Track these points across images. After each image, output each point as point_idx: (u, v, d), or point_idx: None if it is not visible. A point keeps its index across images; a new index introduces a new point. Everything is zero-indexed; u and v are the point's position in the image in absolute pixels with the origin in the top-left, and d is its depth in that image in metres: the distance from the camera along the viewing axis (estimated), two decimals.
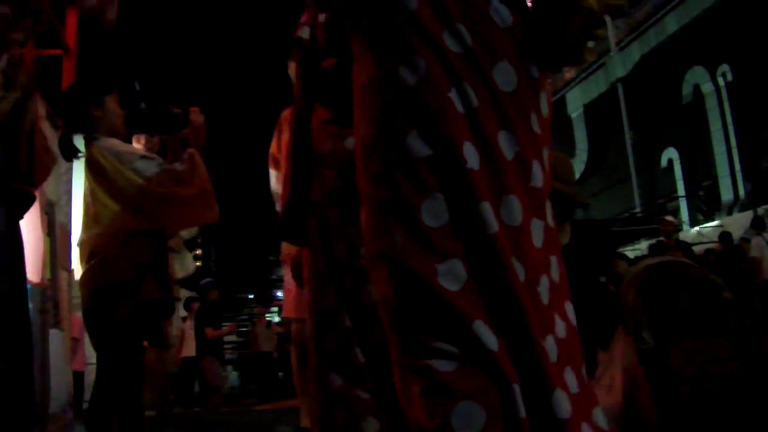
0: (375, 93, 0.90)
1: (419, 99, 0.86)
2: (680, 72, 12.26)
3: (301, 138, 1.59)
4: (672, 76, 12.34)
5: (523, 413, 0.78)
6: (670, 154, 12.53)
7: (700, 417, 1.85)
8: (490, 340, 0.80)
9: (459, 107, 0.86)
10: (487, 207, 0.84)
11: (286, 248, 3.30)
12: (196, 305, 7.22)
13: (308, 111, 1.58)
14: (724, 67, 11.37)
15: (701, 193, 11.26)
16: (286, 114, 3.37)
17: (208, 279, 7.27)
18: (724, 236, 7.01)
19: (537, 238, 0.89)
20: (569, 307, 0.92)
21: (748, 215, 8.47)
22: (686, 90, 12.19)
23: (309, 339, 1.54)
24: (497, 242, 0.83)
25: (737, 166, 11.00)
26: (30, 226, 3.04)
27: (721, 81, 11.43)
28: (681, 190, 12.10)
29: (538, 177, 0.90)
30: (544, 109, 0.95)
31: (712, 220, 10.55)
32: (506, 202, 0.86)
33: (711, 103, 11.61)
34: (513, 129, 0.89)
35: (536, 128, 0.92)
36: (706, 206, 11.21)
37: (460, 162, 0.84)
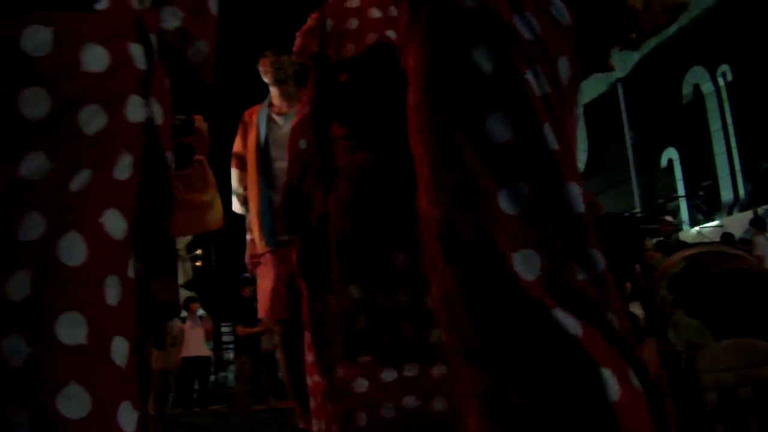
0: (445, 80, 0.88)
1: (498, 83, 0.85)
2: (680, 72, 12.25)
3: (321, 147, 1.62)
4: (672, 76, 12.34)
5: (614, 397, 0.76)
6: (670, 154, 12.52)
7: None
8: (573, 327, 0.78)
9: (536, 90, 0.85)
10: (574, 187, 0.83)
11: (253, 249, 3.30)
12: (195, 305, 7.21)
13: (325, 123, 1.62)
14: (724, 67, 11.37)
15: (701, 193, 11.26)
16: (248, 113, 3.38)
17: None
18: (726, 237, 7.01)
19: None
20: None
21: (748, 215, 8.47)
22: (686, 90, 12.19)
23: (308, 335, 1.55)
24: (584, 223, 0.82)
25: (737, 166, 10.99)
26: None
27: (721, 81, 11.43)
28: (681, 190, 12.10)
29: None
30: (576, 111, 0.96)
31: (712, 220, 10.54)
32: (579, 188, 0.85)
33: (711, 103, 11.60)
34: (566, 122, 0.89)
35: (573, 126, 0.92)
36: (706, 206, 11.20)
37: (545, 143, 0.83)
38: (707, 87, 11.70)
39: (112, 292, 0.89)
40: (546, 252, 0.81)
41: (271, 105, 3.34)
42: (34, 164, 0.87)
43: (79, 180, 0.89)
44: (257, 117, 3.28)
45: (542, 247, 0.81)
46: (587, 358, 0.77)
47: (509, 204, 0.82)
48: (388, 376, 1.42)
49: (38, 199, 0.87)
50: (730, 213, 10.63)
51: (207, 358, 7.88)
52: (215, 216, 2.00)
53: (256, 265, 3.35)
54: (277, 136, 3.25)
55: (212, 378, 10.05)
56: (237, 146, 3.39)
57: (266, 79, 3.26)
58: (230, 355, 10.38)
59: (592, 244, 0.81)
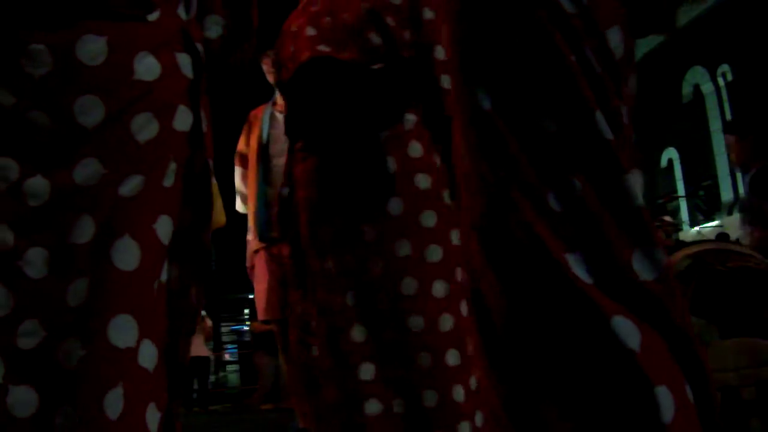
0: (481, 65, 0.82)
1: (540, 67, 0.79)
2: (680, 72, 12.25)
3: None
4: (672, 76, 12.33)
5: (668, 418, 0.70)
6: (670, 154, 12.52)
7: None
8: (632, 337, 0.72)
9: (584, 73, 0.79)
10: (632, 178, 0.77)
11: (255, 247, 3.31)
12: None
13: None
14: (724, 67, 11.37)
15: (701, 193, 11.25)
16: (254, 113, 3.39)
17: None
18: (721, 237, 7.02)
19: None
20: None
21: None
22: (686, 90, 12.18)
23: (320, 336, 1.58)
24: (646, 217, 0.76)
25: None
26: None
27: (721, 81, 11.42)
28: (681, 190, 12.09)
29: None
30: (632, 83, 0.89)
31: (712, 220, 10.54)
32: (636, 177, 0.79)
33: (711, 103, 11.60)
34: (622, 101, 0.82)
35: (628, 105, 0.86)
36: (706, 206, 11.20)
37: (599, 133, 0.77)
38: (707, 87, 11.69)
39: (158, 295, 0.91)
40: (604, 251, 0.75)
41: (275, 103, 3.34)
42: (88, 170, 0.89)
43: (130, 185, 0.90)
44: (262, 114, 3.28)
45: (600, 245, 0.75)
46: (642, 376, 0.71)
47: (558, 201, 0.76)
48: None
49: (91, 203, 0.89)
50: (730, 213, 10.62)
51: (206, 358, 7.87)
52: (218, 216, 2.01)
53: (253, 267, 3.35)
54: (278, 133, 3.25)
55: (212, 378, 10.05)
56: (241, 145, 3.39)
57: (269, 78, 3.26)
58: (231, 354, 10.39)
59: (654, 239, 0.75)
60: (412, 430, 1.46)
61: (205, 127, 1.00)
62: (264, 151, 3.22)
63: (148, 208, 0.91)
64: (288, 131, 1.71)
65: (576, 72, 0.78)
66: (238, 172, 3.41)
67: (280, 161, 3.27)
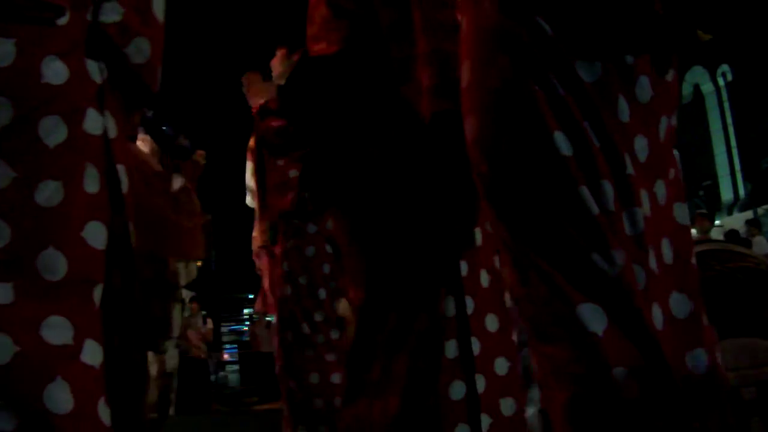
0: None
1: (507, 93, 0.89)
2: (680, 72, 12.26)
3: None
4: None
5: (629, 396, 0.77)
6: None
7: None
8: (597, 322, 0.80)
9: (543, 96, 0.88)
10: (585, 191, 0.84)
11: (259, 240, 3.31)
12: (195, 305, 7.21)
13: None
14: (724, 67, 11.38)
15: (701, 193, 11.26)
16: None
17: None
18: (731, 234, 7.03)
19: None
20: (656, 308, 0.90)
21: (748, 215, 8.48)
22: (686, 90, 12.19)
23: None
24: (599, 222, 0.83)
25: (737, 166, 11.00)
26: None
27: (721, 81, 11.44)
28: None
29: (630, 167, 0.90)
30: (644, 92, 0.94)
31: (712, 220, 10.55)
32: (604, 188, 0.87)
33: (711, 103, 11.61)
34: (599, 118, 0.90)
35: (626, 116, 0.91)
36: (706, 206, 11.21)
37: (556, 149, 0.85)
38: (707, 87, 11.70)
39: (96, 299, 0.92)
40: (567, 243, 0.83)
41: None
42: None
43: (47, 193, 0.91)
44: None
45: (560, 249, 0.83)
46: (602, 358, 0.78)
47: (530, 206, 0.87)
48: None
49: (3, 209, 0.89)
50: (730, 213, 10.64)
51: (204, 360, 7.87)
52: (196, 246, 2.01)
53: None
54: None
55: (212, 378, 10.06)
56: (252, 141, 3.40)
57: (275, 76, 3.26)
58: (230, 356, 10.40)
59: (611, 244, 0.81)
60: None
61: (113, 132, 1.00)
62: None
63: (72, 216, 0.92)
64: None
65: (538, 96, 0.86)
66: (249, 167, 3.41)
67: (281, 160, 3.27)
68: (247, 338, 9.54)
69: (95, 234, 0.94)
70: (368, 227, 1.46)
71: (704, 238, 5.71)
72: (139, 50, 1.04)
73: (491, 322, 1.39)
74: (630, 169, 0.86)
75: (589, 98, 0.87)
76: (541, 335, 0.83)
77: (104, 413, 0.90)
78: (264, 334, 8.78)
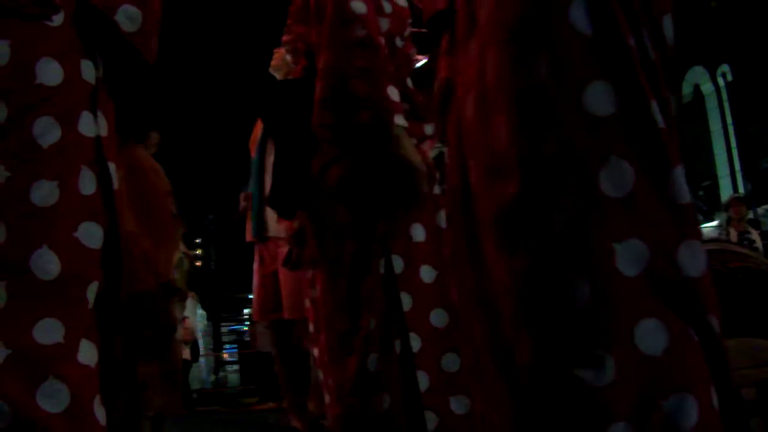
0: (536, 38, 0.76)
1: (599, 48, 0.73)
2: (680, 72, 12.25)
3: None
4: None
5: (690, 424, 0.67)
6: None
7: None
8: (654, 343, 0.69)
9: (641, 58, 0.75)
10: (680, 172, 0.72)
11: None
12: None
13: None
14: (724, 67, 11.36)
15: (701, 193, 11.25)
16: None
17: None
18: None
19: None
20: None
21: (748, 215, 8.47)
22: (686, 90, 12.18)
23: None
24: (690, 213, 0.72)
25: (737, 166, 10.99)
26: None
27: (721, 81, 11.42)
28: None
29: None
30: None
31: (712, 220, 10.53)
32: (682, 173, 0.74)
33: (711, 103, 11.59)
34: (676, 88, 0.77)
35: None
36: (706, 206, 11.19)
37: (653, 120, 0.72)
38: (707, 87, 11.69)
39: (90, 298, 0.93)
40: (652, 243, 0.71)
41: None
42: None
43: (42, 192, 0.91)
44: None
45: (648, 237, 0.70)
46: (670, 379, 0.68)
47: (612, 186, 0.71)
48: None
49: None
50: None
51: (187, 361, 7.85)
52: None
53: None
54: None
55: (212, 378, 10.04)
56: (254, 135, 3.42)
57: (277, 75, 3.26)
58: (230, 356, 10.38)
59: (697, 236, 0.72)
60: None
61: (105, 130, 0.99)
62: (261, 147, 3.23)
63: (66, 216, 0.92)
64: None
65: (634, 57, 0.74)
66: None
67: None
68: (248, 338, 9.52)
69: (90, 234, 0.94)
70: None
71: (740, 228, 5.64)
72: (130, 18, 1.02)
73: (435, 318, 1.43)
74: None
75: (671, 64, 0.77)
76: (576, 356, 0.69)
77: (99, 412, 0.90)
78: (264, 334, 8.76)
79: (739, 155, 10.98)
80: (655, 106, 0.73)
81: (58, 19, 0.96)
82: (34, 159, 0.91)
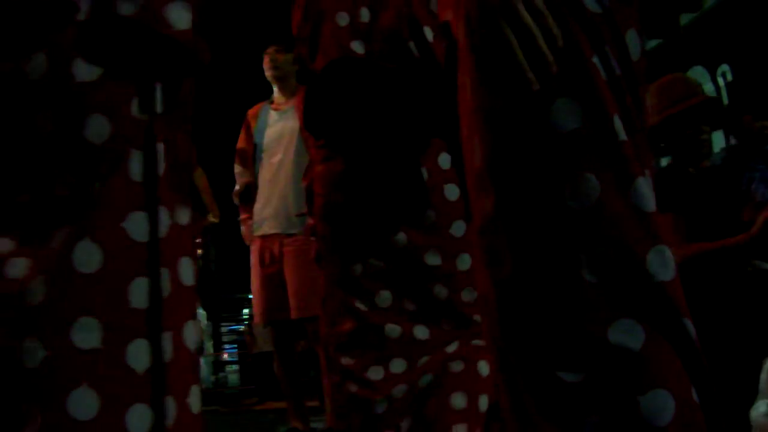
0: (501, 60, 0.80)
1: (562, 66, 0.77)
2: (680, 72, 12.25)
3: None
4: None
5: (664, 422, 0.70)
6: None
7: None
8: (635, 339, 0.71)
9: (603, 74, 0.78)
10: (643, 182, 0.76)
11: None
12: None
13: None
14: (724, 67, 11.36)
15: None
16: (252, 111, 3.43)
17: None
18: None
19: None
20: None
21: None
22: None
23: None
24: (654, 222, 0.75)
25: None
26: None
27: (721, 81, 11.42)
28: None
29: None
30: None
31: None
32: (647, 179, 0.78)
33: None
34: (642, 102, 0.81)
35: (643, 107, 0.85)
36: None
37: (614, 134, 0.76)
38: (707, 87, 11.69)
39: (138, 295, 0.91)
40: (614, 252, 0.74)
41: (272, 102, 3.36)
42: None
43: (97, 186, 0.93)
44: (260, 112, 3.31)
45: (612, 247, 0.74)
46: (647, 376, 0.71)
47: (577, 198, 0.75)
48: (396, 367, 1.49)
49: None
50: None
51: None
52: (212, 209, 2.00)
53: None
54: (271, 131, 3.27)
55: (212, 378, 10.04)
56: (240, 143, 3.42)
57: (267, 76, 3.26)
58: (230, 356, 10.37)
59: (663, 243, 0.75)
60: None
61: (161, 107, 0.98)
62: (257, 150, 3.24)
63: (114, 206, 0.92)
64: (308, 127, 1.69)
65: (596, 73, 0.78)
66: (236, 169, 3.44)
67: (276, 158, 3.27)
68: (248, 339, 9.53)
69: (137, 224, 0.94)
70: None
71: None
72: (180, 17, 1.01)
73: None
74: (652, 161, 0.81)
75: (636, 78, 0.80)
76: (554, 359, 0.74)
77: (135, 419, 0.89)
78: (264, 334, 8.76)
79: None
80: (617, 120, 0.76)
81: (82, 14, 0.95)
82: (89, 159, 0.93)
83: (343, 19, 1.62)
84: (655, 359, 0.72)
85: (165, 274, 0.94)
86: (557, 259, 0.75)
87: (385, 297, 1.55)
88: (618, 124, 0.77)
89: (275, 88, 3.43)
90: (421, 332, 1.53)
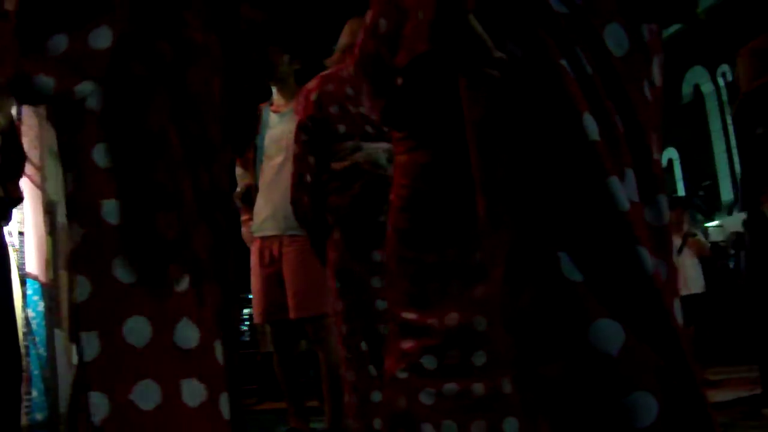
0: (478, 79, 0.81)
1: (530, 70, 0.77)
2: (680, 72, 12.24)
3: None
4: (672, 76, 12.32)
5: (645, 423, 0.69)
6: (670, 154, 12.51)
7: None
8: (613, 339, 0.70)
9: (573, 75, 0.77)
10: (615, 182, 0.75)
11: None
12: None
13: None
14: (724, 67, 11.36)
15: (701, 193, 11.25)
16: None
17: None
18: (738, 237, 7.01)
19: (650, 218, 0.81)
20: (677, 303, 0.82)
21: None
22: (686, 90, 12.17)
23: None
24: (629, 220, 0.74)
25: (737, 166, 10.98)
26: (34, 227, 3.05)
27: (721, 81, 11.42)
28: (681, 190, 12.08)
29: (653, 150, 0.82)
30: (656, 77, 0.87)
31: (712, 220, 10.53)
32: (627, 178, 0.77)
33: (711, 103, 11.59)
34: (626, 98, 0.80)
35: (648, 96, 0.84)
36: (706, 206, 11.20)
37: (584, 135, 0.75)
38: (707, 87, 11.68)
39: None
40: (595, 250, 0.74)
41: (272, 104, 3.36)
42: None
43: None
44: (260, 114, 3.30)
45: (590, 244, 0.74)
46: (621, 380, 0.70)
47: (552, 197, 0.75)
48: (430, 364, 1.49)
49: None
50: (730, 213, 10.62)
51: None
52: None
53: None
54: (271, 134, 3.28)
55: None
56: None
57: (279, 73, 3.26)
58: None
59: (640, 242, 0.74)
60: None
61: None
62: (258, 152, 3.24)
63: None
64: (387, 121, 1.68)
65: (564, 74, 0.77)
66: (238, 171, 3.44)
67: (276, 161, 3.28)
68: (247, 338, 9.52)
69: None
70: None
71: None
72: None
73: None
74: (656, 154, 0.80)
75: (617, 75, 0.79)
76: (537, 354, 0.74)
77: (225, 406, 1.04)
78: (266, 334, 8.76)
79: (740, 155, 10.97)
80: (588, 118, 0.75)
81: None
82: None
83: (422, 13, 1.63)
84: (637, 360, 0.71)
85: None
86: (534, 258, 0.75)
87: (455, 287, 1.55)
88: (589, 123, 0.75)
89: (274, 90, 3.44)
90: (478, 323, 1.54)
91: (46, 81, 0.99)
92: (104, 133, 1.11)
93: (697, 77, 12.09)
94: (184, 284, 1.04)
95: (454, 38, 0.77)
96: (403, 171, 1.61)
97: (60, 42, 0.97)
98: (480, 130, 0.81)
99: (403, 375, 1.48)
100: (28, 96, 1.03)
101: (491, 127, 0.80)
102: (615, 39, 0.80)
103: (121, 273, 1.05)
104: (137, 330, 1.01)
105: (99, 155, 1.14)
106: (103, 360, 1.00)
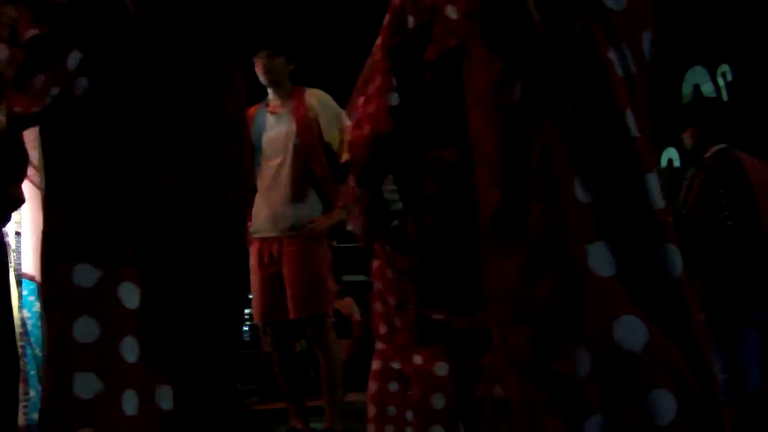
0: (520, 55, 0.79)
1: (579, 63, 0.76)
2: (680, 72, 12.23)
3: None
4: (672, 76, 12.31)
5: (665, 422, 0.67)
6: (670, 154, 12.50)
7: None
8: (637, 338, 0.66)
9: (619, 71, 0.76)
10: (653, 178, 0.73)
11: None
12: None
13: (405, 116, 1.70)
14: (724, 67, 11.35)
15: None
16: (248, 114, 3.44)
17: None
18: None
19: None
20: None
21: None
22: (686, 90, 12.16)
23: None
24: (664, 218, 0.72)
25: None
26: (34, 226, 3.05)
27: (721, 81, 11.41)
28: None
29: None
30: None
31: None
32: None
33: None
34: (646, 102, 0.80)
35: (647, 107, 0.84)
36: None
37: (627, 130, 0.73)
38: (707, 87, 11.68)
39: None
40: (621, 247, 0.70)
41: (267, 104, 3.36)
42: None
43: None
44: (256, 114, 3.31)
45: (618, 241, 0.70)
46: (644, 378, 0.70)
47: (585, 191, 0.73)
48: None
49: None
50: None
51: None
52: None
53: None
54: (269, 135, 3.28)
55: None
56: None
57: (261, 81, 3.26)
58: None
59: (671, 241, 0.71)
60: None
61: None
62: (255, 153, 3.24)
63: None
64: (420, 112, 1.68)
65: (611, 68, 0.74)
66: None
67: (275, 162, 3.28)
68: (247, 338, 9.53)
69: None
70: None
71: None
72: None
73: None
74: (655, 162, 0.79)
75: (648, 78, 0.79)
76: (550, 350, 0.71)
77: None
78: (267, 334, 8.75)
79: None
80: (630, 115, 0.74)
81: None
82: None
83: (452, 12, 1.62)
84: (658, 358, 0.71)
85: None
86: (561, 250, 0.74)
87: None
88: (630, 119, 0.73)
89: (270, 91, 3.43)
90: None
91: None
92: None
93: (697, 77, 12.08)
94: (89, 281, 1.10)
95: (505, 7, 0.76)
96: (429, 168, 1.61)
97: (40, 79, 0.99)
98: (508, 112, 0.79)
99: (442, 372, 1.49)
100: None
101: (524, 111, 0.78)
102: (646, 44, 0.83)
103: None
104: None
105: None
106: None
